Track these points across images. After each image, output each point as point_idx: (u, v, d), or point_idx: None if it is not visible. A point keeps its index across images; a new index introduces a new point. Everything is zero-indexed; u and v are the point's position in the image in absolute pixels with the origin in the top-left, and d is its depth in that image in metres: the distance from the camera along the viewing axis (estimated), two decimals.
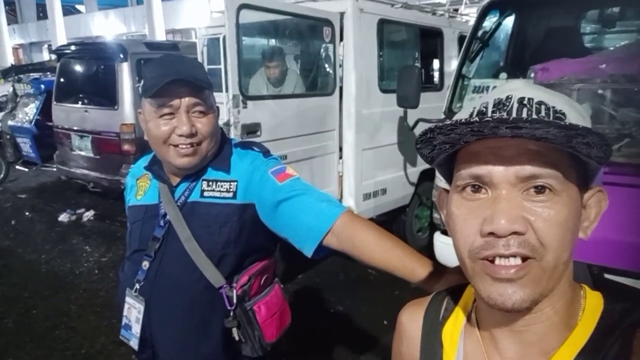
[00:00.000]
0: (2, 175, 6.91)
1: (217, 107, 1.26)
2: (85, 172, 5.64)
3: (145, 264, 1.23)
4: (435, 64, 4.77)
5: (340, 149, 3.72)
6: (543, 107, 0.54)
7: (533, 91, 0.57)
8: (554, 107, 0.54)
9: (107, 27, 20.53)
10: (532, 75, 2.42)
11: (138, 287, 1.23)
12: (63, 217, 5.60)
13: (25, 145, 6.68)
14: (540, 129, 0.50)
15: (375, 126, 3.79)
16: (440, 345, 0.68)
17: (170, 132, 1.16)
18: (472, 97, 3.05)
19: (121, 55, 5.15)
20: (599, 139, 0.50)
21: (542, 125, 0.49)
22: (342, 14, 3.52)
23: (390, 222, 4.33)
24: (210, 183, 1.23)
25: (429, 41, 4.43)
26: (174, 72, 1.13)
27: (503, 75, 3.11)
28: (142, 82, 1.18)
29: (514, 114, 0.54)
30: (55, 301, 3.57)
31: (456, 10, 5.40)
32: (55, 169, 6.22)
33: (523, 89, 0.57)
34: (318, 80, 3.91)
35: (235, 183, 1.22)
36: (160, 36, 15.44)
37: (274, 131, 3.12)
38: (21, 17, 27.24)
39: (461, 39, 4.62)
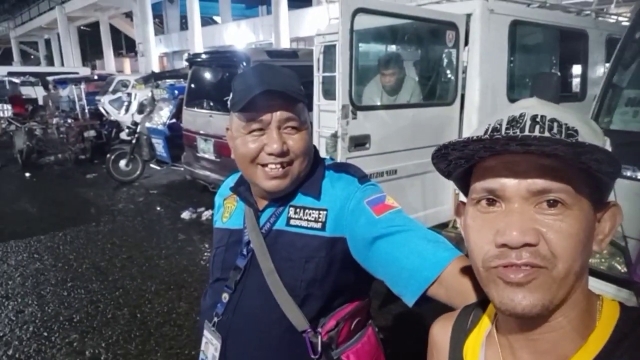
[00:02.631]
0: (138, 172, 7.61)
1: (311, 123, 1.10)
2: (207, 173, 5.96)
3: (225, 296, 1.11)
4: (576, 70, 4.19)
5: None
6: (555, 124, 0.57)
7: (546, 109, 0.59)
8: (566, 124, 0.57)
9: (239, 37, 21.90)
10: None
11: (216, 320, 1.12)
12: (185, 215, 5.96)
13: (159, 145, 7.27)
14: (549, 146, 0.52)
15: None
16: (462, 358, 0.70)
17: (259, 150, 1.03)
18: (625, 111, 2.56)
19: (244, 63, 5.33)
20: (606, 156, 0.52)
21: (549, 142, 0.52)
22: (468, 16, 3.20)
23: None
24: (298, 210, 1.07)
25: (570, 44, 3.90)
26: (265, 83, 0.99)
27: None
28: (231, 95, 1.06)
29: (526, 131, 0.56)
30: (168, 297, 3.75)
31: (601, 9, 4.70)
32: (182, 169, 6.68)
33: (536, 106, 0.60)
34: (437, 89, 3.62)
35: (325, 212, 1.04)
36: (285, 44, 16.06)
37: (384, 143, 2.92)
38: (167, 28, 30.37)
39: (610, 42, 4.00)
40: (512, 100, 3.40)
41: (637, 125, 2.50)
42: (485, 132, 0.61)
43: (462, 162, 0.62)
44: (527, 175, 0.56)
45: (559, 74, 3.06)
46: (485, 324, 0.71)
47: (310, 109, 3.76)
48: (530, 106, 0.60)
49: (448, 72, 3.50)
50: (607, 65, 3.49)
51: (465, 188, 0.67)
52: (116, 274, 4.21)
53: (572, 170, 0.55)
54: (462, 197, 0.69)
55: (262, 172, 1.04)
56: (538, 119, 0.57)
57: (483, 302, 0.74)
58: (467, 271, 0.89)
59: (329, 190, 1.07)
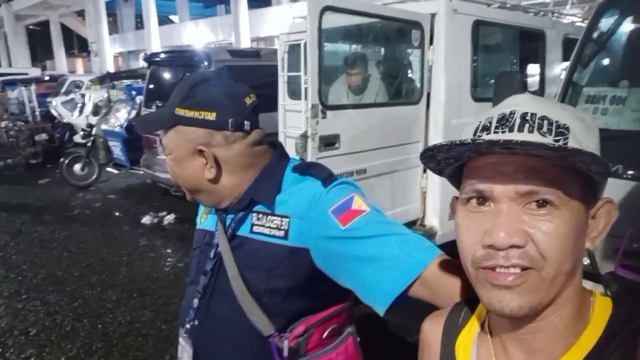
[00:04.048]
0: (94, 177, 7.31)
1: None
2: (169, 176, 5.74)
3: (196, 302, 1.06)
4: (535, 68, 4.31)
5: None
6: (546, 122, 0.56)
7: (537, 105, 0.58)
8: (557, 122, 0.56)
9: (198, 36, 21.49)
10: None
11: (188, 327, 1.07)
12: (146, 220, 5.75)
13: (116, 148, 6.99)
14: (533, 150, 0.52)
15: None
16: (454, 356, 0.69)
17: None
18: (586, 108, 2.63)
19: (205, 63, 5.21)
20: (591, 158, 0.52)
21: (532, 147, 0.51)
22: (433, 16, 3.23)
23: None
24: (261, 216, 1.01)
25: (529, 44, 4.00)
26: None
27: (624, 83, 2.66)
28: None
29: (515, 130, 0.56)
30: (130, 306, 3.59)
31: (557, 10, 4.87)
32: (141, 172, 6.45)
33: (527, 103, 0.58)
34: (403, 88, 3.64)
35: (287, 220, 0.97)
36: (245, 44, 15.87)
37: (353, 143, 2.90)
38: (121, 27, 29.44)
39: (566, 41, 4.14)
40: (476, 98, 3.46)
41: (597, 122, 2.58)
42: (476, 131, 0.60)
43: (452, 161, 0.62)
44: (514, 176, 0.55)
45: (520, 72, 3.13)
46: (476, 321, 0.71)
47: (274, 109, 3.70)
48: (521, 103, 0.59)
49: (414, 71, 3.52)
50: (565, 64, 3.61)
51: (458, 184, 0.66)
52: (74, 284, 4.00)
53: (560, 170, 0.55)
54: (453, 193, 0.68)
55: None
56: (528, 117, 0.56)
57: (474, 299, 0.72)
58: (450, 270, 0.84)
59: (293, 195, 0.99)
